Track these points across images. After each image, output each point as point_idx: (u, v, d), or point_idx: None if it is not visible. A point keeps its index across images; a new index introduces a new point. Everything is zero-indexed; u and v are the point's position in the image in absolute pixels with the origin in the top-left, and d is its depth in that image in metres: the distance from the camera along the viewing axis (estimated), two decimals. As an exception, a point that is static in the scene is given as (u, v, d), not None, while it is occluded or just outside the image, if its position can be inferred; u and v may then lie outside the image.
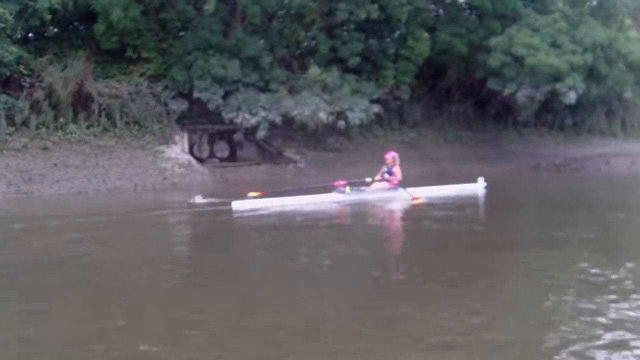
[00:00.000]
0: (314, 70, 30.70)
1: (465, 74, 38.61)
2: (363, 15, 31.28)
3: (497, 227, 13.19)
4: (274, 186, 22.12)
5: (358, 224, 14.96)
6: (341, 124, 30.74)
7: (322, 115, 29.55)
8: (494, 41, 34.14)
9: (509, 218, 14.80)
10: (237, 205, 15.95)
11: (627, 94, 37.91)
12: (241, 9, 30.44)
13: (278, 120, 29.23)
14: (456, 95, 40.33)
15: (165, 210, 17.23)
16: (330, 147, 32.95)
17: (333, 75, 31.07)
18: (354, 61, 32.47)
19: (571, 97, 33.55)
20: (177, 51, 28.97)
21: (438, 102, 39.96)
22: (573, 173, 32.63)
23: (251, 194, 17.90)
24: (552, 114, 42.88)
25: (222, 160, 30.94)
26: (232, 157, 31.44)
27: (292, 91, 30.69)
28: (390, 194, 18.44)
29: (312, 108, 29.28)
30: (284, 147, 31.80)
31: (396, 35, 34.34)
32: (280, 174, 29.92)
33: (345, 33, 33.15)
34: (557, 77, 33.01)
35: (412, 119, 37.75)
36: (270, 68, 30.71)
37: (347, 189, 17.86)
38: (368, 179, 18.80)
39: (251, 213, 15.47)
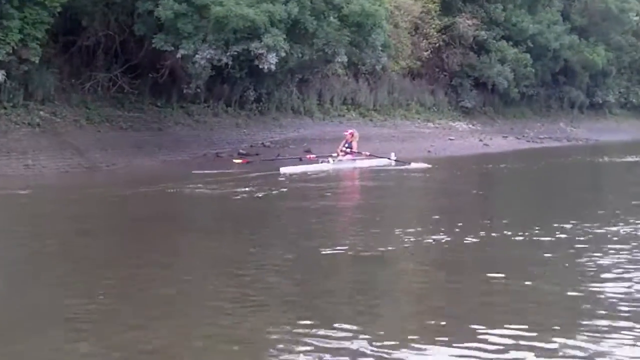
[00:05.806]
0: None
1: (118, 28, 33.31)
2: None
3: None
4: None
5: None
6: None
7: None
8: (163, -18, 30.21)
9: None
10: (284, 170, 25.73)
11: (342, 58, 34.47)
12: None
13: None
14: (102, 59, 34.47)
15: None
16: None
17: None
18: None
19: (271, 61, 30.43)
20: None
21: (77, 68, 33.82)
22: (267, 164, 28.97)
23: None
24: (228, 86, 38.33)
25: None
26: None
27: None
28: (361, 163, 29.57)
29: None
30: None
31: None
32: None
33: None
34: (251, 33, 29.73)
35: (43, 91, 31.56)
36: None
37: (331, 159, 28.02)
38: (334, 154, 28.76)
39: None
